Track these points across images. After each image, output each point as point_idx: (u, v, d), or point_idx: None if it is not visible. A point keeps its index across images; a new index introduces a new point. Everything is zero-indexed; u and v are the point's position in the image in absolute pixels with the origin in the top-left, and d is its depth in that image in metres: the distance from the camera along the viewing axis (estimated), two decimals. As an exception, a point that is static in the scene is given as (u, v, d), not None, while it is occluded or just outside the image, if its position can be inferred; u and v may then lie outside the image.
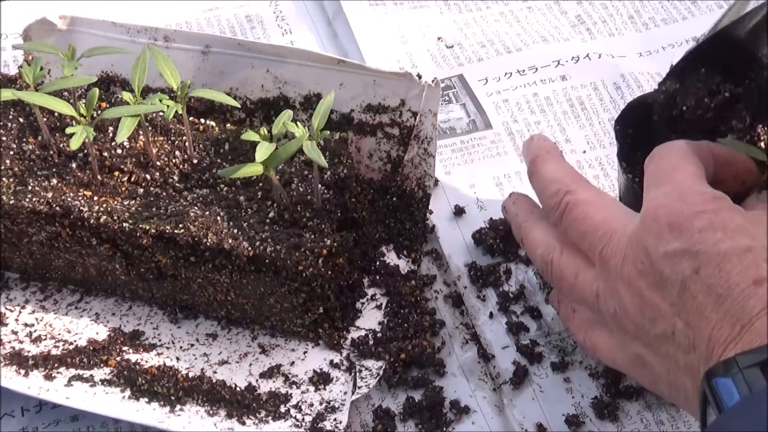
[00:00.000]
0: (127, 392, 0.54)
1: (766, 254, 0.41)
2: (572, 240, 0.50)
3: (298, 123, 0.54)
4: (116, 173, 0.58)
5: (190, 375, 0.56)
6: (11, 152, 0.59)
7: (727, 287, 0.41)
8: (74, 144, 0.53)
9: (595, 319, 0.51)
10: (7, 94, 0.55)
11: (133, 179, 0.58)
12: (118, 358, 0.56)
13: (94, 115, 0.56)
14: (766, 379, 0.37)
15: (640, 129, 0.57)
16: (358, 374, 0.56)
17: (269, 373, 0.56)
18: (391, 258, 0.63)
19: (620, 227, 0.47)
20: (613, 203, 0.50)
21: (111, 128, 0.60)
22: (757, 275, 0.40)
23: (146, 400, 0.54)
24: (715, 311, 0.41)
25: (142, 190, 0.58)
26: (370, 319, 0.59)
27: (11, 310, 0.59)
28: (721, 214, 0.43)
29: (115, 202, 0.56)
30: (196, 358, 0.57)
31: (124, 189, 0.58)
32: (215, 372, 0.56)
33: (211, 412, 0.54)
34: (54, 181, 0.57)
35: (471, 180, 0.69)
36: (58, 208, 0.55)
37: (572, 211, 0.50)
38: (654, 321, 0.44)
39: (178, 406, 0.54)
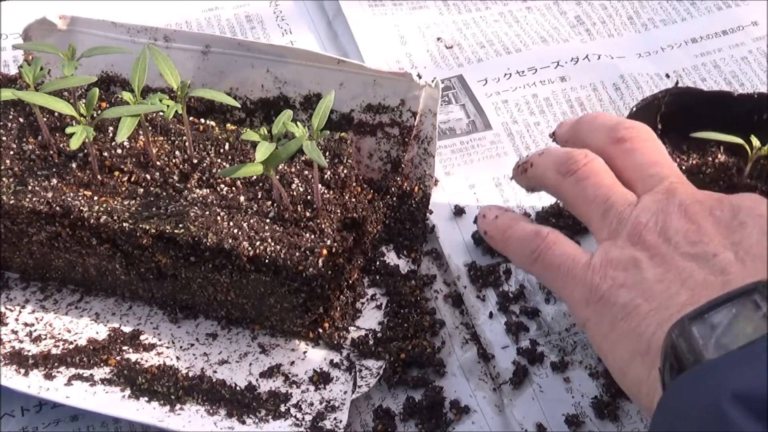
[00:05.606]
0: (127, 391, 0.54)
1: None
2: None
3: (298, 123, 0.54)
4: (116, 173, 0.58)
5: (190, 374, 0.56)
6: (11, 152, 0.59)
7: None
8: (74, 144, 0.53)
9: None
10: (7, 94, 0.55)
11: (133, 179, 0.58)
12: (118, 358, 0.56)
13: (94, 115, 0.56)
14: None
15: None
16: (358, 374, 0.56)
17: (269, 373, 0.56)
18: (391, 258, 0.63)
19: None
20: None
21: (111, 128, 0.60)
22: None
23: (146, 399, 0.54)
24: None
25: (142, 190, 0.58)
26: (370, 319, 0.59)
27: (11, 310, 0.59)
28: None
29: (115, 202, 0.56)
30: (196, 358, 0.57)
31: (124, 189, 0.58)
32: (215, 371, 0.56)
33: (211, 411, 0.54)
34: (54, 181, 0.57)
35: (471, 180, 0.69)
36: (58, 208, 0.56)
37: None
38: (695, 244, 0.45)
39: (178, 405, 0.54)
